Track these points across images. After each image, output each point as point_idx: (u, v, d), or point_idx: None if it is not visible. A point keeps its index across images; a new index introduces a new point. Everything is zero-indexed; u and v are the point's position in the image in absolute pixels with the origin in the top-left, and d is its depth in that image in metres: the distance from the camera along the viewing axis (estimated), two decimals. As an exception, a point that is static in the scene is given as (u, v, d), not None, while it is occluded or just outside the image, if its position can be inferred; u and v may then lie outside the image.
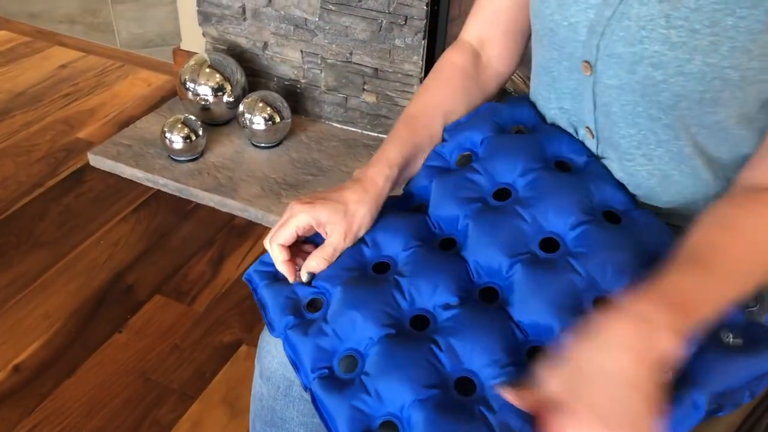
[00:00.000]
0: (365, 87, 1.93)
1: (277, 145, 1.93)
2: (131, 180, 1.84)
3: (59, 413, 1.28)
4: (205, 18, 2.03)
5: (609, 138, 0.73)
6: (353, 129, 2.01)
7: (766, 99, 0.64)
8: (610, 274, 0.65)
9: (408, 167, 0.79)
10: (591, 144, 0.76)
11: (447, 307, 0.67)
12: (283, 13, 1.91)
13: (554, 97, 0.78)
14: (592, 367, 0.54)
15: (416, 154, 0.80)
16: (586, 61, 0.70)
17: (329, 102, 2.00)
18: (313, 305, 0.72)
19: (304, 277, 0.73)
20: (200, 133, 1.83)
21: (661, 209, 0.74)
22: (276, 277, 0.75)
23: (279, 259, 0.73)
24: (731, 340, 0.68)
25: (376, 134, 1.98)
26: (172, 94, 2.19)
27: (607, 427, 0.52)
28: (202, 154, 1.87)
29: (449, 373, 0.63)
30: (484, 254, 0.70)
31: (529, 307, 0.65)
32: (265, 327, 0.76)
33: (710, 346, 0.64)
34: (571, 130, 0.78)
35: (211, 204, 1.77)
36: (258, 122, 1.87)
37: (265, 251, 0.76)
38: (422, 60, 1.81)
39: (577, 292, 0.65)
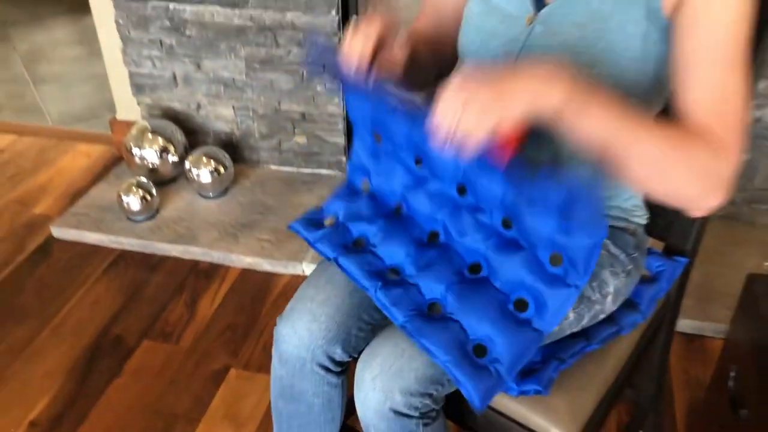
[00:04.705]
0: (295, 130, 2.17)
1: (224, 193, 2.14)
2: (96, 245, 2.00)
3: (82, 454, 1.44)
4: (138, 89, 2.23)
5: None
6: (290, 169, 2.25)
7: (638, 97, 0.84)
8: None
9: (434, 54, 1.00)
10: None
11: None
12: (212, 75, 2.13)
13: None
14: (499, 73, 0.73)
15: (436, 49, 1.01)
16: None
17: (265, 148, 2.23)
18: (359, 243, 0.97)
19: (375, 79, 0.85)
20: (154, 192, 2.02)
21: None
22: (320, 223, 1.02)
23: (365, 53, 0.84)
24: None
25: (311, 170, 2.23)
26: (114, 162, 2.36)
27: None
28: (157, 211, 2.06)
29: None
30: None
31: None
32: (278, 319, 0.99)
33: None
34: None
35: (175, 254, 1.96)
36: (204, 175, 2.07)
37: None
38: (342, 99, 2.07)
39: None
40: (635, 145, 0.76)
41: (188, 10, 2.03)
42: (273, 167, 2.26)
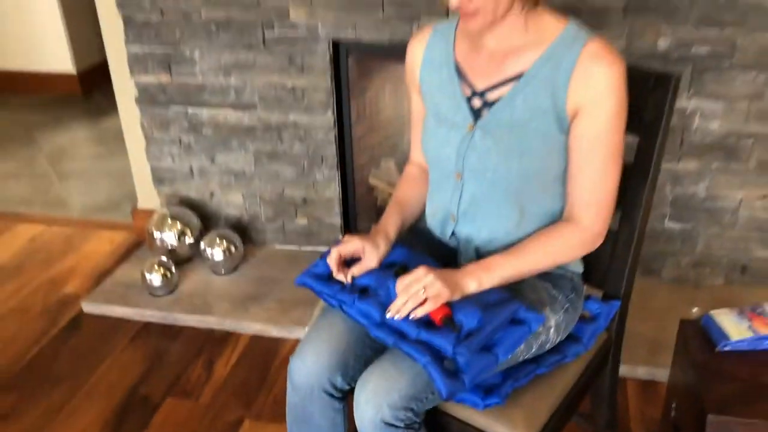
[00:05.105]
0: (297, 213, 2.47)
1: (235, 269, 2.42)
2: (122, 318, 2.26)
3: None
4: (159, 181, 2.54)
5: (467, 213, 1.28)
6: (292, 247, 2.53)
7: (556, 176, 1.21)
8: None
9: (402, 224, 1.33)
10: (451, 227, 1.31)
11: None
12: (224, 167, 2.45)
13: (438, 201, 1.33)
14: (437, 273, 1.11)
15: (405, 216, 1.35)
16: (458, 172, 1.26)
17: (270, 229, 2.53)
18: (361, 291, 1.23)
19: (349, 278, 1.23)
20: (173, 270, 2.30)
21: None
22: (323, 277, 1.27)
23: (336, 262, 1.23)
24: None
25: (311, 248, 2.51)
26: (134, 247, 2.65)
27: (432, 273, 1.09)
28: (176, 286, 2.32)
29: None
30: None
31: None
32: (291, 357, 1.25)
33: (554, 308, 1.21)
34: (441, 220, 1.33)
35: (193, 324, 2.21)
36: (218, 254, 2.36)
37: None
38: (338, 186, 2.38)
39: None
40: (525, 271, 1.21)
41: (205, 113, 2.37)
42: (277, 246, 2.55)
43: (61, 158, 3.53)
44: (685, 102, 1.99)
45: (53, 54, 4.30)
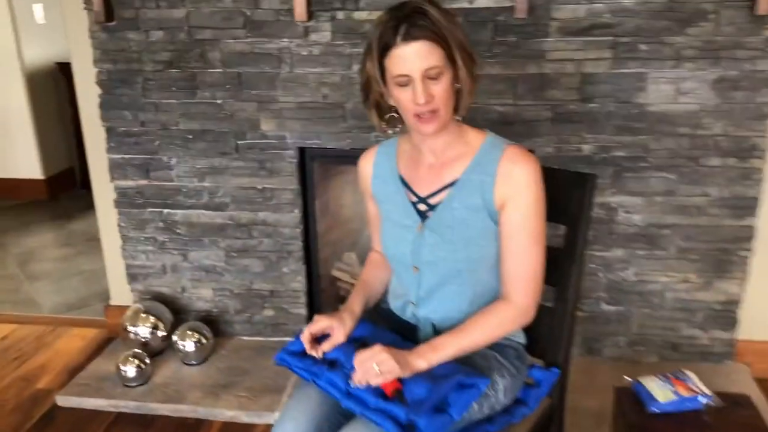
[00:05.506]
0: (265, 305, 2.63)
1: (205, 360, 2.54)
2: (96, 410, 2.34)
3: None
4: (132, 278, 2.69)
5: (425, 299, 1.49)
6: (260, 338, 2.68)
7: (497, 260, 1.44)
8: None
9: (367, 302, 1.54)
10: (411, 309, 1.52)
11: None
12: (196, 264, 2.62)
13: (400, 289, 1.54)
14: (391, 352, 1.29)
15: (370, 295, 1.56)
16: (414, 266, 1.47)
17: (238, 321, 2.67)
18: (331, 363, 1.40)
19: (320, 354, 1.41)
20: (147, 361, 2.41)
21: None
22: (298, 354, 1.44)
23: (308, 340, 1.41)
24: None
25: (278, 339, 2.66)
26: (106, 342, 2.75)
27: (386, 351, 1.27)
28: (149, 378, 2.43)
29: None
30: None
31: None
32: (275, 423, 1.40)
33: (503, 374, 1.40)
34: (402, 303, 1.54)
35: (166, 413, 2.31)
36: (190, 346, 2.49)
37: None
38: (304, 278, 2.57)
39: None
40: (467, 348, 1.39)
41: (179, 214, 2.56)
42: (245, 338, 2.69)
43: (30, 260, 3.64)
44: (609, 197, 2.28)
45: (23, 161, 4.48)
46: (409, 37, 1.29)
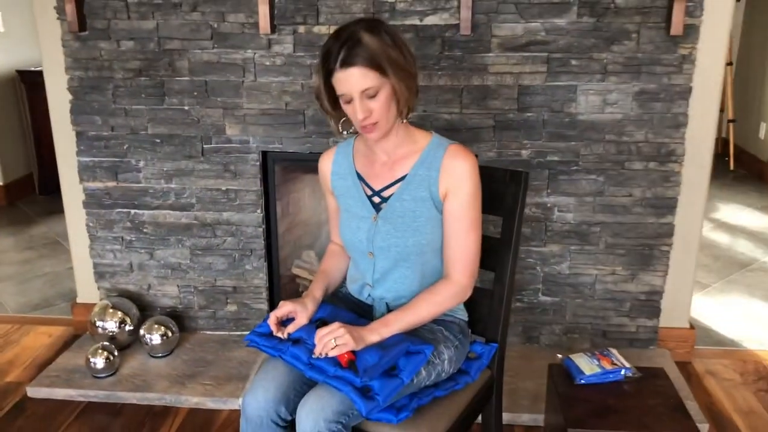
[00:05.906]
0: (228, 301, 2.78)
1: (171, 353, 2.68)
2: (66, 400, 2.45)
3: None
4: (99, 276, 2.81)
5: (379, 281, 1.68)
6: (223, 333, 2.83)
7: (438, 248, 1.65)
8: None
9: (327, 289, 1.72)
10: (368, 290, 1.71)
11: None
12: (162, 262, 2.76)
13: (357, 273, 1.73)
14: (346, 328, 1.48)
15: (329, 283, 1.75)
16: (370, 252, 1.67)
17: (203, 316, 2.82)
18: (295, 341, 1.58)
19: (285, 334, 1.58)
20: (115, 353, 2.54)
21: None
22: (265, 335, 1.61)
23: (274, 323, 1.58)
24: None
25: (240, 332, 2.81)
26: (73, 339, 2.86)
27: (343, 327, 1.46)
28: (117, 370, 2.55)
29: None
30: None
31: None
32: (244, 393, 1.56)
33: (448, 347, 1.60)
34: (359, 286, 1.73)
35: (134, 401, 2.44)
36: (156, 339, 2.62)
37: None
38: (266, 275, 2.74)
39: None
40: (414, 322, 1.59)
41: (146, 214, 2.70)
42: (208, 332, 2.83)
43: (-9, 263, 3.70)
44: (545, 198, 2.52)
45: (-19, 168, 4.52)
46: (345, 64, 1.49)
